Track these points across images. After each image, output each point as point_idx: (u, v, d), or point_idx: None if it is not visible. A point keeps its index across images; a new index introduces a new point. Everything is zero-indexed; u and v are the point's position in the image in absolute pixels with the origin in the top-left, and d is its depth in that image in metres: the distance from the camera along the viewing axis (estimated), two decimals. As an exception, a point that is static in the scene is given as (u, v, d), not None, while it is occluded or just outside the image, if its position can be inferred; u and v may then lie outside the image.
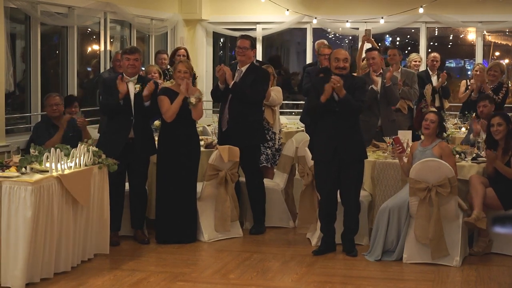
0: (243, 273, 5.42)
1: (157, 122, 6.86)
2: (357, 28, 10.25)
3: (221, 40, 11.71)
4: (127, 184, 6.41)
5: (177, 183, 6.24)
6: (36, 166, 5.30)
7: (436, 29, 10.89)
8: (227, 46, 12.25)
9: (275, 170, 7.23)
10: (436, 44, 11.23)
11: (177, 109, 6.16)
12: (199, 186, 6.36)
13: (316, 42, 8.45)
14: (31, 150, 5.49)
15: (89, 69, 9.48)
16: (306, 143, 6.26)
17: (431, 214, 5.49)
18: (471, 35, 11.04)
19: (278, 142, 7.38)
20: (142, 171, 6.33)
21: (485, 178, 5.82)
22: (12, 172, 5.11)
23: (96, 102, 8.56)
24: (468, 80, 8.77)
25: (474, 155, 6.17)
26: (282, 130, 7.86)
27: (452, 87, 9.04)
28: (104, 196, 5.85)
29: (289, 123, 8.83)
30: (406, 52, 9.83)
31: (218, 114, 7.17)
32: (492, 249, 5.86)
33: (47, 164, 5.29)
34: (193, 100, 6.15)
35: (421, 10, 9.83)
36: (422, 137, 6.13)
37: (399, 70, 7.87)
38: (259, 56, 10.27)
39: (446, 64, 10.72)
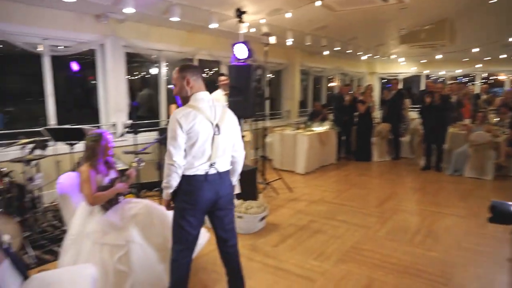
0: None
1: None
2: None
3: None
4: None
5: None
6: (310, 128, 6.42)
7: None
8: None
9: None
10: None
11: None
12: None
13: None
14: (308, 123, 6.73)
15: (329, 92, 10.09)
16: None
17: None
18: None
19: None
20: (349, 127, 6.98)
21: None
22: (301, 130, 6.30)
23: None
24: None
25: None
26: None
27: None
28: (334, 141, 6.72)
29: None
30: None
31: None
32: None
33: (313, 128, 6.59)
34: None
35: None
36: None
37: None
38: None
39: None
